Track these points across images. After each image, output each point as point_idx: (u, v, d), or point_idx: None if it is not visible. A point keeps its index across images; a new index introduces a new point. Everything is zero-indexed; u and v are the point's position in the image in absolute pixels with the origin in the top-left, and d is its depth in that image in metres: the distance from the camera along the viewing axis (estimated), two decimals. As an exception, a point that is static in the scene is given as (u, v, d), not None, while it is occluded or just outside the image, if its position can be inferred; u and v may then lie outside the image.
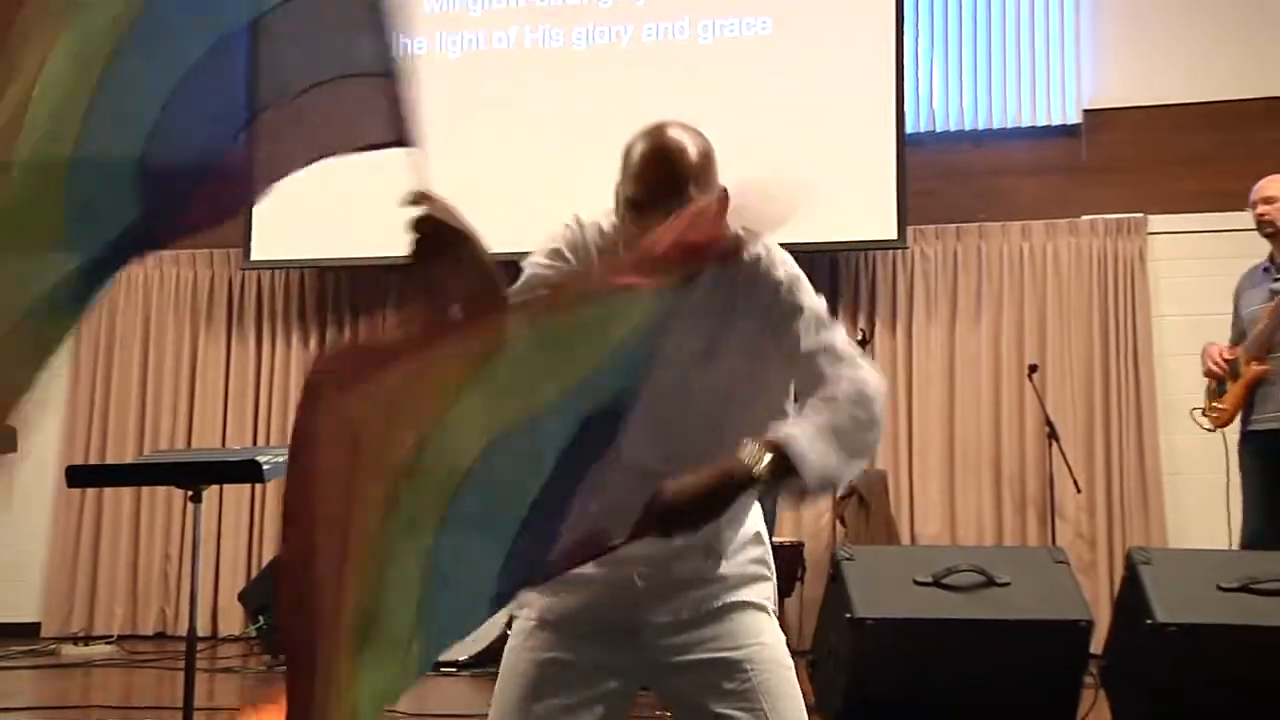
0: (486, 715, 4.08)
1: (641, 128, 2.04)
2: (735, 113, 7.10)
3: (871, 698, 3.72)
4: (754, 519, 2.17)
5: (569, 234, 2.13)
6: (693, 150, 1.97)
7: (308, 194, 7.45)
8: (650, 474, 1.82)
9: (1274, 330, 4.87)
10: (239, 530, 7.60)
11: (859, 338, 4.75)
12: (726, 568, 2.09)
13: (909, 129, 6.94)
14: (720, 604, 2.07)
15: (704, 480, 1.81)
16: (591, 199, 7.87)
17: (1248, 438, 4.98)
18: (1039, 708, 3.77)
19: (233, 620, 7.26)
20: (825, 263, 7.10)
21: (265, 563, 7.06)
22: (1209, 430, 5.10)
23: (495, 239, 7.40)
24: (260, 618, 6.19)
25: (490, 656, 5.59)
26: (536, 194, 7.25)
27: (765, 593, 2.14)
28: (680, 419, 1.97)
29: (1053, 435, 6.47)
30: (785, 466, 1.83)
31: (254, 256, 7.63)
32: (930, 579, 3.77)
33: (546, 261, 2.13)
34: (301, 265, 7.80)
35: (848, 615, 3.67)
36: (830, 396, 1.92)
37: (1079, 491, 6.59)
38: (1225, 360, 5.00)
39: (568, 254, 2.09)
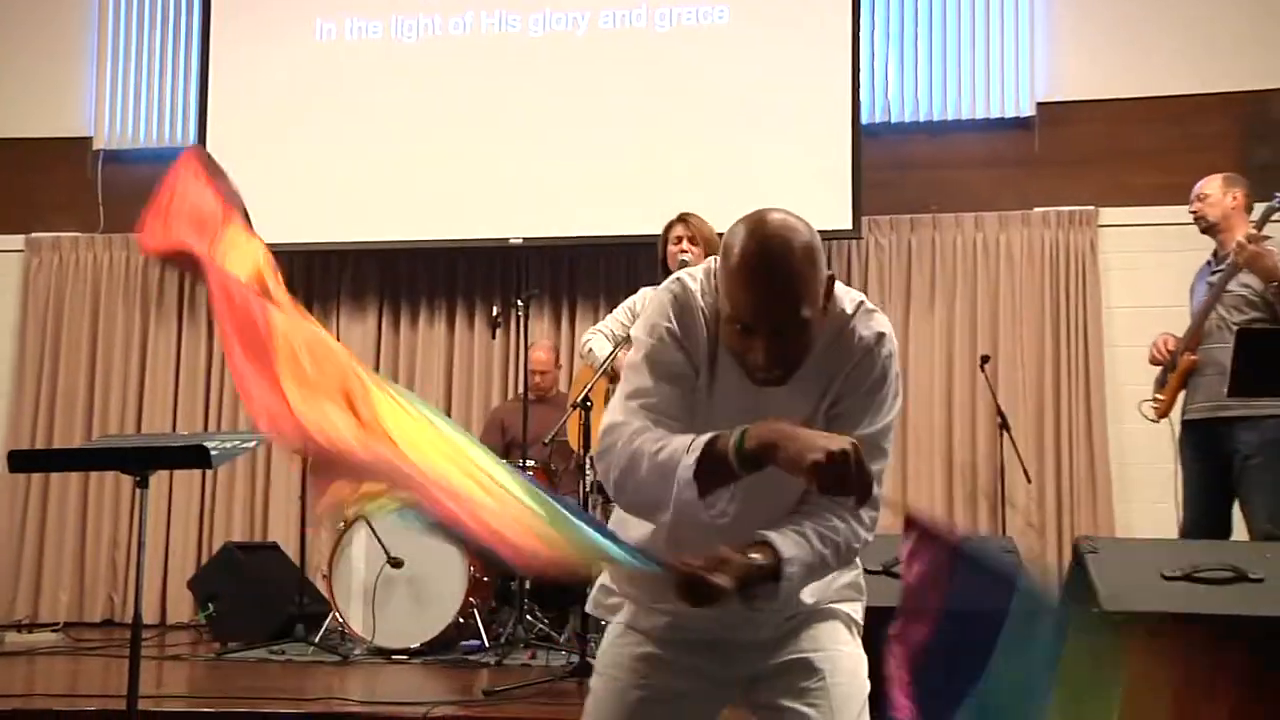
0: (437, 703, 4.07)
1: (745, 225, 1.92)
2: (691, 101, 7.10)
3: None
4: None
5: (675, 299, 1.99)
6: (798, 251, 1.87)
7: (261, 177, 7.46)
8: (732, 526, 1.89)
9: (1203, 321, 4.93)
10: (189, 517, 7.53)
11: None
12: (816, 595, 2.10)
13: (864, 120, 6.96)
14: (806, 613, 2.11)
15: (730, 566, 1.82)
16: (549, 185, 7.80)
17: (1184, 427, 5.05)
18: None
19: (182, 607, 7.20)
20: (780, 252, 7.11)
21: (215, 550, 7.00)
22: (1152, 420, 5.16)
23: (455, 225, 7.30)
24: (210, 605, 6.13)
25: (442, 645, 5.57)
26: (493, 180, 7.23)
27: (853, 609, 2.18)
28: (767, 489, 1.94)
29: (1004, 425, 6.52)
30: (769, 576, 1.87)
31: (206, 241, 7.53)
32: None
33: (656, 343, 2.00)
34: (254, 250, 7.71)
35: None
36: (834, 535, 1.94)
37: (1029, 481, 6.65)
38: (1168, 351, 5.07)
39: (675, 328, 1.98)
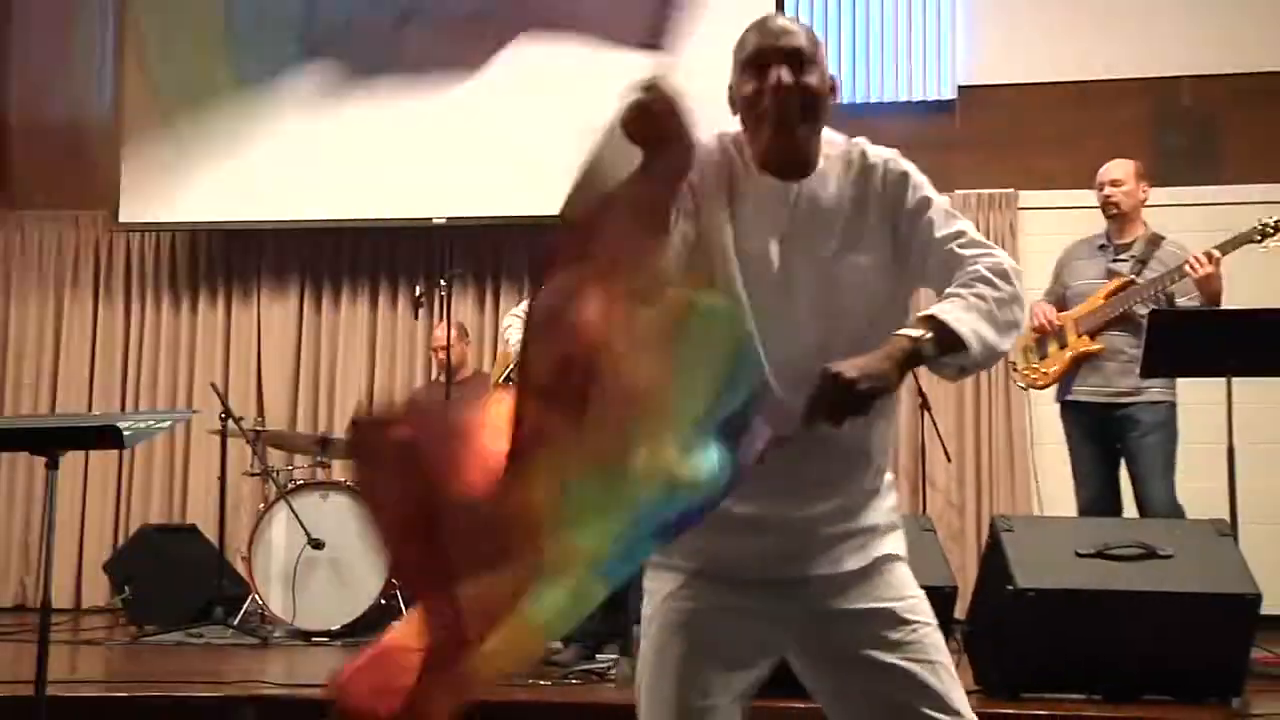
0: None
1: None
2: (617, 82, 7.06)
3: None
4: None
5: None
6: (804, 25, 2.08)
7: (179, 155, 7.31)
8: (803, 375, 1.85)
9: (1113, 311, 4.99)
10: (105, 498, 7.42)
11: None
12: (874, 516, 2.08)
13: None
14: (877, 555, 2.06)
15: (872, 358, 1.84)
16: (472, 164, 7.72)
17: (1068, 407, 5.11)
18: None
19: (98, 591, 7.09)
20: (705, 233, 7.13)
21: (132, 532, 6.90)
22: (1022, 389, 5.24)
23: (378, 205, 7.20)
24: (126, 588, 6.04)
25: (363, 626, 5.54)
26: (416, 159, 7.16)
27: (903, 546, 2.13)
28: (826, 314, 1.98)
29: (925, 405, 6.59)
30: (946, 340, 1.88)
31: (123, 218, 7.42)
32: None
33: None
34: (174, 228, 7.60)
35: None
36: (969, 278, 1.96)
37: (949, 461, 6.73)
38: (1052, 323, 5.10)
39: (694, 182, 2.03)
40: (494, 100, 7.16)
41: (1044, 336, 5.13)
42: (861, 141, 2.10)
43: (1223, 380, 4.60)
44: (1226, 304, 4.78)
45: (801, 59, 2.00)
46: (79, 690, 4.16)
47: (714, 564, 2.04)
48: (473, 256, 7.39)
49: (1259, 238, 4.83)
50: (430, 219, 7.17)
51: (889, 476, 2.14)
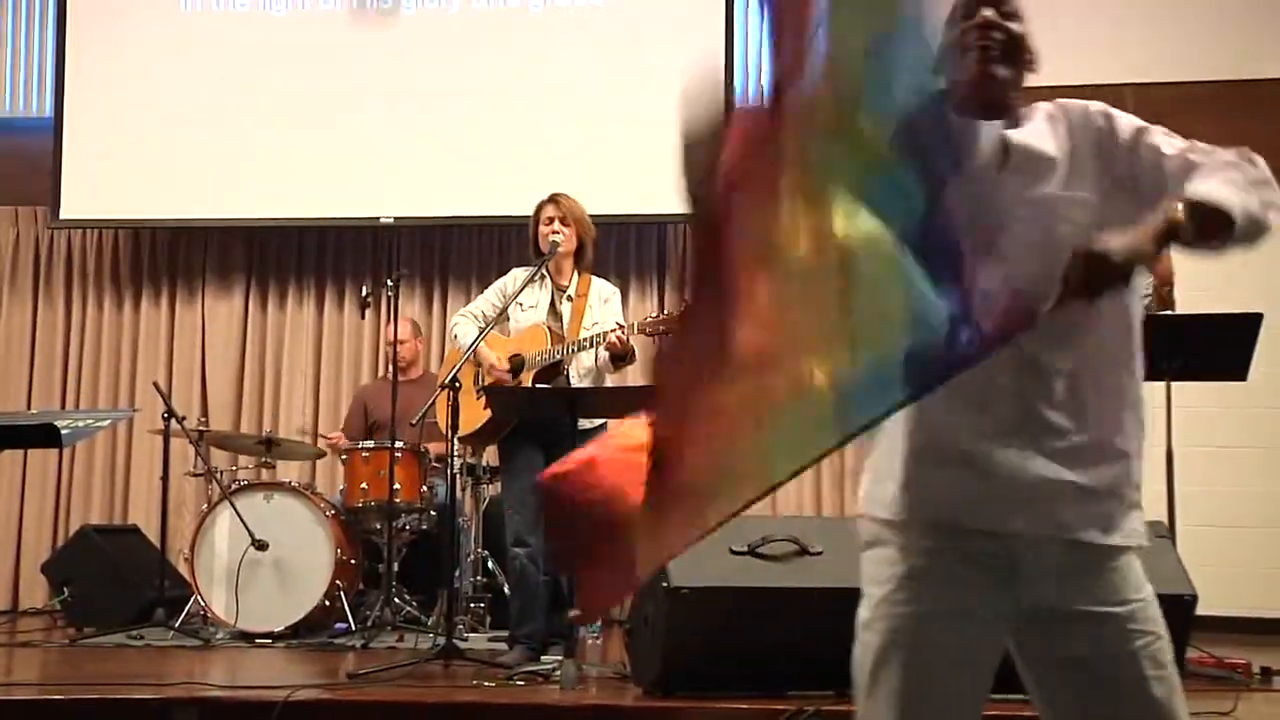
0: (300, 687, 4.00)
1: None
2: (564, 82, 7.07)
3: (685, 665, 3.77)
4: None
5: None
6: None
7: (124, 151, 7.24)
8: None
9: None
10: (44, 498, 7.32)
11: (683, 308, 4.76)
12: (1121, 481, 1.88)
13: (737, 102, 7.00)
14: (1112, 545, 1.86)
15: (1126, 234, 1.73)
16: (420, 164, 7.71)
17: None
18: (848, 672, 3.85)
19: (36, 593, 6.98)
20: (653, 233, 7.15)
21: (71, 532, 6.80)
22: None
23: (325, 204, 7.16)
24: (65, 589, 5.96)
25: (308, 628, 5.50)
26: (363, 159, 7.13)
27: (1142, 530, 1.93)
28: (1044, 252, 1.82)
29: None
30: (1205, 216, 1.74)
31: (63, 215, 7.33)
32: (745, 548, 3.84)
33: None
34: (115, 224, 7.51)
35: (664, 584, 3.71)
36: (1218, 164, 1.84)
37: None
38: None
39: None
40: (442, 101, 7.15)
41: None
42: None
43: (1162, 384, 4.66)
44: (1222, 306, 4.81)
45: (1008, 7, 1.97)
46: (14, 694, 4.10)
47: (927, 508, 1.86)
48: (420, 256, 7.35)
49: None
50: (378, 218, 7.13)
51: (1138, 444, 1.92)
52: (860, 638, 1.92)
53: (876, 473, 1.94)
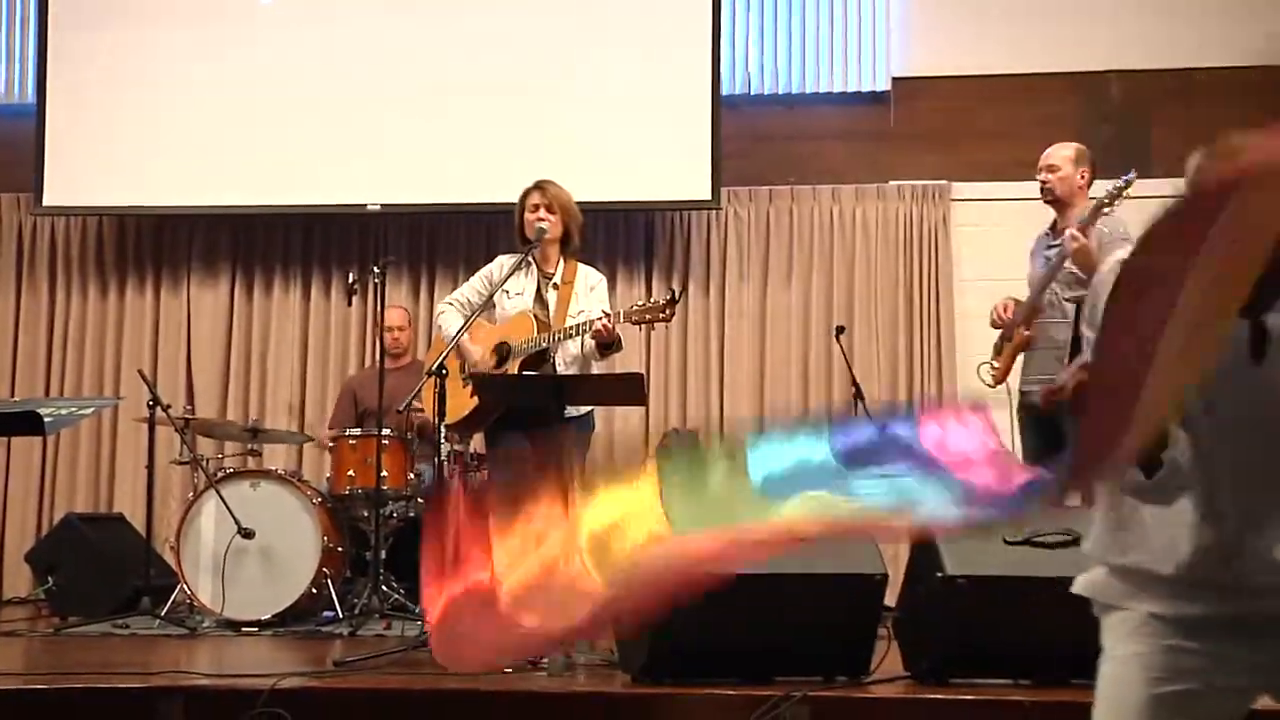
0: (286, 674, 3.99)
1: None
2: (552, 70, 7.05)
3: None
4: None
5: None
6: None
7: (108, 137, 7.19)
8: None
9: (1039, 296, 5.05)
10: (28, 486, 7.29)
11: (670, 296, 4.77)
12: None
13: (724, 91, 7.00)
14: None
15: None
16: (407, 151, 7.64)
17: (1022, 397, 5.18)
18: (832, 657, 3.86)
19: (20, 582, 6.96)
20: (640, 221, 7.15)
21: (56, 521, 6.77)
22: (989, 386, 5.28)
23: (312, 191, 7.10)
24: (49, 578, 5.93)
25: (295, 616, 5.48)
26: (350, 146, 7.10)
27: None
28: None
29: (858, 395, 6.63)
30: None
31: (47, 201, 7.29)
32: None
33: None
34: (100, 212, 7.47)
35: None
36: None
37: (881, 450, 6.78)
38: (1007, 317, 5.17)
39: None
40: (429, 88, 7.12)
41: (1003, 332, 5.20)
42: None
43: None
44: None
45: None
46: (-1, 683, 4.07)
47: (1156, 558, 1.87)
48: (407, 244, 7.33)
49: (1108, 201, 4.86)
50: (365, 205, 7.11)
51: None
52: (1102, 662, 1.94)
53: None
